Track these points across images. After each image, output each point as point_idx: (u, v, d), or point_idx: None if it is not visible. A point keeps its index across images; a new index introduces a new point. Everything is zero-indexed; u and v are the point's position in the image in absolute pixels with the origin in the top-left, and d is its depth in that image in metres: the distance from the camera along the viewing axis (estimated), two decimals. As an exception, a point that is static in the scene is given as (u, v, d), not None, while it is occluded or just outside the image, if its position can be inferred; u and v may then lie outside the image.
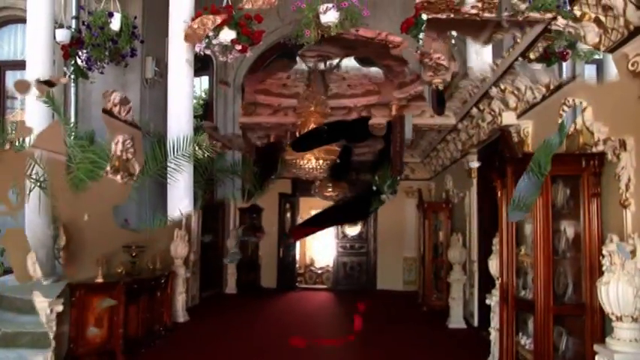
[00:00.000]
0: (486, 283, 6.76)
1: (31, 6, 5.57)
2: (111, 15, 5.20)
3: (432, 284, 10.34)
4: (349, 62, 9.40)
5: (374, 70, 9.52)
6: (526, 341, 4.72)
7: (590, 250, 4.20)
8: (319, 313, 10.89)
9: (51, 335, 5.17)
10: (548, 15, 4.20)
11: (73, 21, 6.17)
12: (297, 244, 15.01)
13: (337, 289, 14.12)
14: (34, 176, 5.10)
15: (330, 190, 13.10)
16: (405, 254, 13.72)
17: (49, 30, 5.53)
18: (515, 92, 5.97)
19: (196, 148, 5.57)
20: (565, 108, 4.77)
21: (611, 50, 3.98)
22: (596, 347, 3.66)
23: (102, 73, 5.60)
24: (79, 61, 5.54)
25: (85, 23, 5.44)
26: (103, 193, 6.04)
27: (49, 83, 5.31)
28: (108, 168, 5.88)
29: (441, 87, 5.18)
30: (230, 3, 4.92)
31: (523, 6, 4.02)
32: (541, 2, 3.92)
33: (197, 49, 5.02)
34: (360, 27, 4.72)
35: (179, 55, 5.22)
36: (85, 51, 5.35)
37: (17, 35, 7.32)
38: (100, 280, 5.86)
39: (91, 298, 5.78)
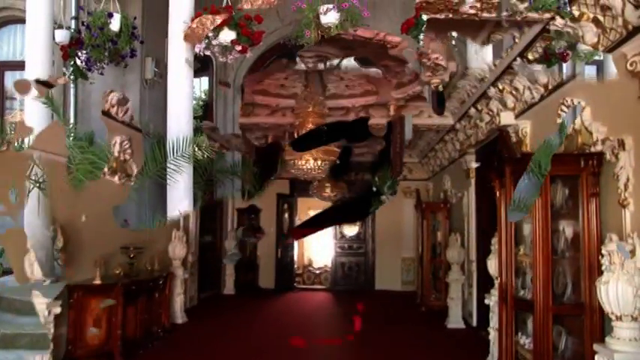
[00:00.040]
0: (485, 282, 6.76)
1: (31, 6, 5.55)
2: (110, 15, 5.18)
3: (431, 284, 10.35)
4: (348, 62, 9.40)
5: (372, 70, 9.51)
6: (525, 341, 4.72)
7: (589, 250, 4.20)
8: (318, 314, 10.88)
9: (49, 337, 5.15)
10: (547, 15, 4.21)
11: (73, 21, 6.15)
12: (296, 244, 15.00)
13: (335, 289, 14.12)
14: (32, 177, 5.08)
15: (328, 190, 13.10)
16: (404, 254, 13.73)
17: (48, 30, 5.51)
18: (514, 92, 5.98)
19: (196, 149, 5.55)
20: (564, 108, 4.77)
21: (610, 50, 3.99)
22: (595, 347, 3.67)
23: (101, 73, 5.57)
24: (78, 62, 5.52)
25: (85, 24, 5.42)
26: (101, 194, 6.02)
27: (46, 84, 5.29)
28: (105, 169, 5.86)
29: (440, 88, 5.18)
30: (230, 3, 4.90)
31: (522, 6, 4.02)
32: (541, 3, 3.92)
33: (197, 50, 5.00)
34: (359, 27, 4.70)
35: (179, 56, 5.20)
36: (84, 51, 5.33)
37: (16, 36, 7.29)
38: (98, 281, 5.85)
39: (89, 300, 5.77)
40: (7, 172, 5.07)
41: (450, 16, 4.17)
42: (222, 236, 12.71)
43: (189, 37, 4.95)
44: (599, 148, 4.24)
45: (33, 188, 5.06)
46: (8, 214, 4.96)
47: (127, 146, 6.30)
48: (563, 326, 4.48)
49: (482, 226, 8.22)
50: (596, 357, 3.63)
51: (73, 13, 6.25)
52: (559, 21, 4.22)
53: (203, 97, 9.18)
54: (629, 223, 3.84)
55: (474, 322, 8.49)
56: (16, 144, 5.14)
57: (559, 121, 4.84)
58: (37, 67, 5.43)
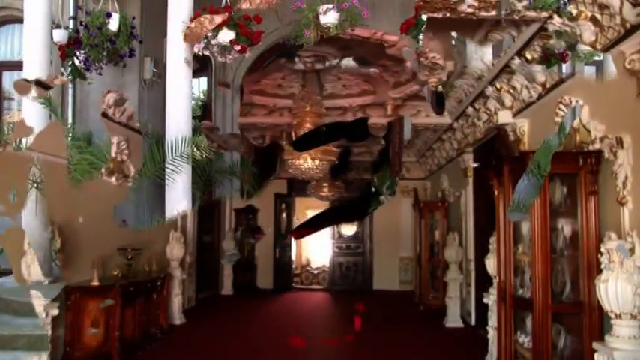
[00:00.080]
0: (483, 281, 6.77)
1: (28, 6, 5.53)
2: (109, 15, 5.15)
3: (429, 283, 10.36)
4: (348, 61, 9.39)
5: (370, 69, 9.50)
6: (524, 339, 4.72)
7: (587, 248, 4.21)
8: (316, 314, 10.87)
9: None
10: (544, 14, 4.21)
11: (71, 21, 6.13)
12: (293, 244, 15.01)
13: (333, 289, 14.12)
14: (30, 177, 5.06)
15: (325, 190, 13.09)
16: (401, 254, 13.74)
17: (46, 30, 5.49)
18: (511, 91, 5.98)
19: (194, 149, 5.53)
20: (561, 106, 4.78)
21: (608, 49, 3.99)
22: (595, 345, 3.67)
23: (100, 73, 5.55)
24: (76, 62, 5.49)
25: (83, 23, 5.38)
26: (99, 196, 6.00)
27: (44, 85, 5.27)
28: (103, 170, 5.85)
29: (440, 88, 5.18)
30: (229, 3, 4.89)
31: (520, 5, 4.02)
32: (542, 3, 3.92)
33: (196, 50, 4.98)
34: (357, 27, 4.68)
35: (177, 56, 5.18)
36: (82, 51, 5.29)
37: (14, 35, 7.26)
38: (95, 282, 5.83)
39: (86, 301, 5.75)
40: (6, 172, 5.05)
41: (448, 15, 4.18)
42: (219, 236, 12.70)
43: (188, 37, 4.93)
44: (597, 146, 4.24)
45: (31, 189, 5.04)
46: (7, 214, 4.94)
47: (124, 147, 6.27)
48: (562, 325, 4.48)
49: (480, 224, 8.23)
50: (595, 355, 3.63)
51: (72, 13, 6.23)
52: (557, 20, 4.22)
53: (202, 97, 9.17)
54: (628, 221, 3.84)
55: (473, 321, 8.50)
56: (14, 144, 5.11)
57: (557, 119, 4.84)
58: (35, 67, 5.41)
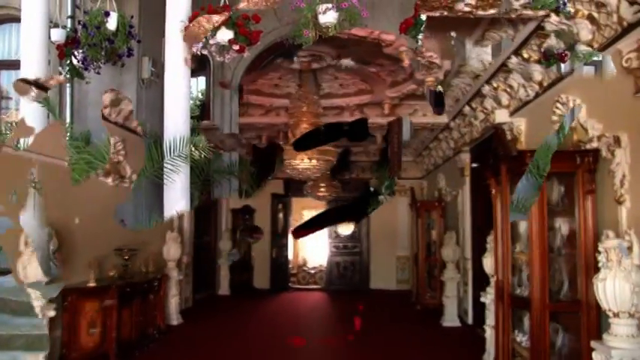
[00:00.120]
0: (480, 280, 6.78)
1: (26, 5, 5.51)
2: (107, 14, 5.12)
3: (426, 283, 10.35)
4: (348, 62, 9.36)
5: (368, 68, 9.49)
6: (522, 338, 4.72)
7: (585, 247, 4.21)
8: (313, 314, 10.86)
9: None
10: (541, 12, 4.21)
11: (69, 20, 6.10)
12: (290, 244, 15.00)
13: (330, 289, 14.11)
14: (29, 178, 5.04)
15: (322, 190, 13.07)
16: (398, 253, 13.73)
17: (44, 29, 5.47)
18: (508, 90, 5.98)
19: (193, 149, 5.51)
20: (558, 105, 4.78)
21: (605, 47, 3.99)
22: (593, 344, 3.67)
23: (98, 73, 5.51)
24: (74, 61, 5.46)
25: (81, 22, 5.35)
26: (95, 196, 5.98)
27: (41, 86, 5.24)
28: (99, 170, 5.82)
29: (440, 88, 5.17)
30: (227, 3, 4.87)
31: (517, 3, 4.01)
32: (541, 2, 3.91)
33: (194, 50, 4.96)
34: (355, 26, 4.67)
35: (176, 55, 5.17)
36: (80, 51, 5.26)
37: (12, 34, 7.23)
38: (92, 283, 5.80)
39: (83, 303, 5.72)
40: (4, 172, 5.02)
41: (445, 13, 4.17)
42: (216, 237, 12.68)
43: (187, 36, 4.91)
44: (594, 145, 4.24)
45: (29, 189, 5.02)
46: (6, 214, 4.91)
47: (120, 148, 6.26)
48: (559, 323, 4.48)
49: (477, 223, 8.24)
50: (593, 354, 3.63)
51: (69, 12, 6.21)
52: (554, 18, 4.23)
53: (200, 97, 9.15)
54: (625, 220, 3.84)
55: (470, 320, 8.51)
56: (13, 145, 5.09)
57: (554, 118, 4.85)
58: (33, 67, 5.38)
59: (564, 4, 3.90)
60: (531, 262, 4.35)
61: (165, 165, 5.06)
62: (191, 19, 4.87)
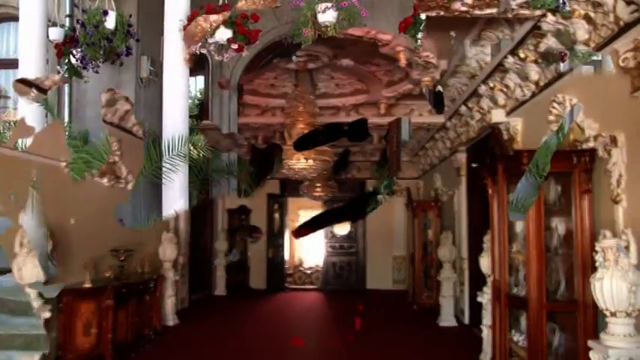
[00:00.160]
0: (477, 280, 6.78)
1: (24, 4, 5.49)
2: (105, 13, 5.10)
3: (422, 283, 10.36)
4: (347, 61, 9.36)
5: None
6: (519, 338, 4.72)
7: (582, 247, 4.21)
8: (309, 315, 10.84)
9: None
10: (537, 12, 4.21)
11: (67, 19, 6.09)
12: (287, 244, 14.99)
13: (327, 289, 14.11)
14: (27, 177, 5.02)
15: (319, 190, 13.06)
16: (395, 253, 13.75)
17: (42, 28, 5.45)
18: (504, 90, 5.99)
19: (192, 148, 5.50)
20: (555, 105, 4.78)
21: (601, 47, 4.00)
22: (590, 343, 3.67)
23: (97, 72, 5.49)
24: (73, 60, 5.43)
25: (80, 21, 5.34)
26: (90, 197, 5.94)
27: (39, 88, 5.22)
28: (94, 171, 5.79)
29: (439, 88, 5.16)
30: (226, 2, 4.85)
31: (514, 3, 4.01)
32: (540, 2, 3.91)
33: (193, 49, 4.95)
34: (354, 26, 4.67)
35: (174, 54, 5.15)
36: (79, 50, 5.24)
37: (10, 33, 7.21)
38: (88, 284, 5.77)
39: (78, 304, 5.68)
40: (3, 173, 5.00)
41: (442, 13, 4.16)
42: (212, 237, 12.65)
43: (185, 35, 4.90)
44: (591, 144, 4.25)
45: (28, 189, 4.99)
46: (5, 214, 4.88)
47: (116, 148, 6.23)
48: (556, 323, 4.48)
49: (473, 223, 8.24)
50: (590, 353, 3.63)
51: (68, 11, 6.19)
52: (550, 18, 4.23)
53: (199, 96, 9.13)
54: (622, 220, 3.85)
55: (466, 320, 8.52)
56: (14, 144, 5.07)
57: (551, 118, 4.85)
58: (31, 66, 5.37)
59: (564, 3, 3.90)
60: (528, 261, 4.35)
61: (163, 164, 5.04)
62: (190, 18, 4.86)
